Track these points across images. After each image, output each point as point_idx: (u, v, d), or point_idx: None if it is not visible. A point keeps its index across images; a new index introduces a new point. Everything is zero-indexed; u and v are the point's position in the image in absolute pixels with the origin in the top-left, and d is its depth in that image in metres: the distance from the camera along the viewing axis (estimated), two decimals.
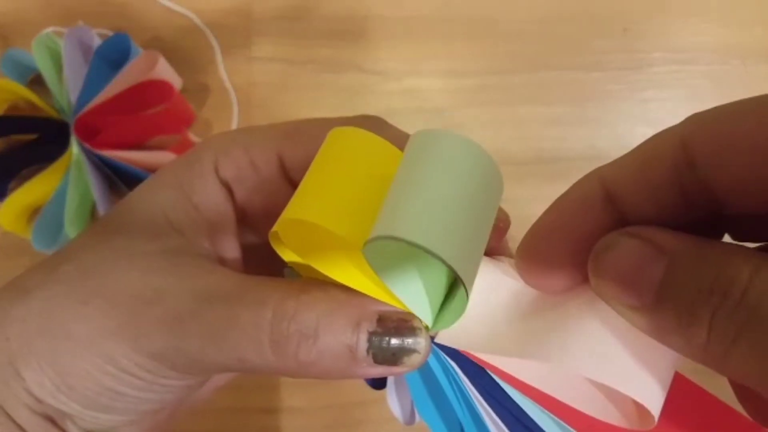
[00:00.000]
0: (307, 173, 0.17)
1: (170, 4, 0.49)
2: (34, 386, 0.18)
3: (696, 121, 0.15)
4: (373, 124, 0.21)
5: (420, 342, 0.17)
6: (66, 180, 0.44)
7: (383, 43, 0.50)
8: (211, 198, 0.20)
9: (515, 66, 0.50)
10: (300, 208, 0.16)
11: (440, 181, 0.15)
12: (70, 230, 0.43)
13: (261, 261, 0.21)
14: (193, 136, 0.47)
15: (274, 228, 0.17)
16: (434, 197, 0.14)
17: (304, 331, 0.16)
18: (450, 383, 0.19)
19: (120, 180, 0.45)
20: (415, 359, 0.17)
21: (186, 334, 0.17)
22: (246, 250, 0.21)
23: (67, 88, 0.45)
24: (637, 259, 0.14)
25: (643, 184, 0.15)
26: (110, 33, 0.47)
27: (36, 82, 0.47)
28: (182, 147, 0.46)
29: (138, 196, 0.20)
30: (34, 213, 0.45)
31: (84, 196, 0.45)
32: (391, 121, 0.51)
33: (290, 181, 0.21)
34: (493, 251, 0.19)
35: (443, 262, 0.14)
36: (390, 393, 0.21)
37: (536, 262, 0.16)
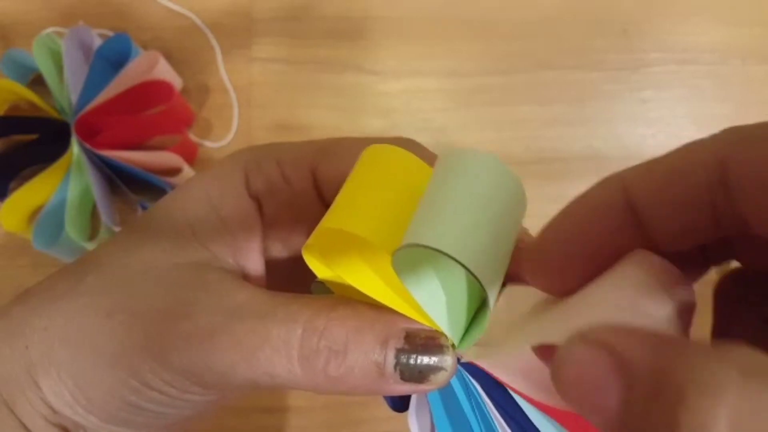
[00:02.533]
0: (344, 187, 0.17)
1: (170, 5, 0.49)
2: (52, 396, 0.18)
3: (736, 139, 0.14)
4: (406, 144, 0.21)
5: (447, 360, 0.17)
6: (66, 180, 0.45)
7: (383, 43, 0.50)
8: (239, 212, 0.20)
9: (515, 66, 0.50)
10: (338, 218, 0.16)
11: (466, 196, 0.15)
12: (71, 230, 0.43)
13: (284, 276, 0.21)
14: (193, 137, 0.48)
15: (310, 240, 0.17)
16: (460, 210, 0.15)
17: (333, 347, 0.17)
18: (470, 403, 0.19)
19: (120, 180, 0.46)
20: (441, 377, 0.17)
21: (216, 349, 0.17)
22: (269, 264, 0.21)
23: (67, 89, 0.45)
24: (594, 377, 0.12)
25: (669, 199, 0.15)
26: (111, 33, 0.47)
27: (37, 82, 0.47)
28: (182, 147, 0.46)
29: (165, 207, 0.20)
30: (34, 213, 0.45)
31: (84, 196, 0.45)
32: (390, 120, 0.51)
33: (322, 196, 0.21)
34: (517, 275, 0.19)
35: (466, 269, 0.14)
36: (411, 413, 0.21)
37: (549, 266, 0.16)
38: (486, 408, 0.18)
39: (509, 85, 0.49)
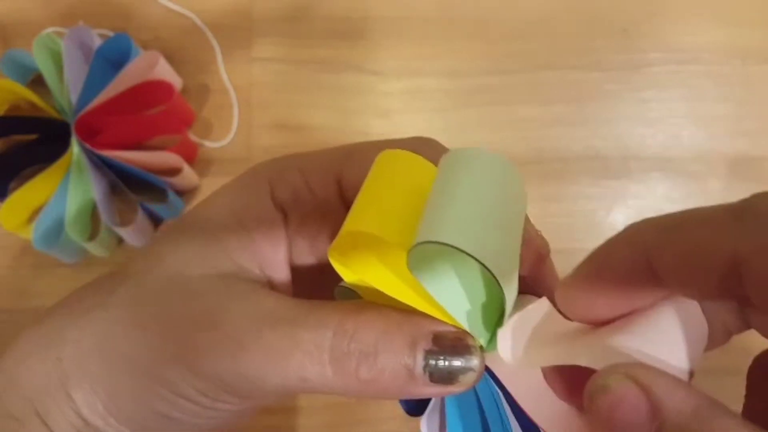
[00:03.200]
0: (360, 192, 0.18)
1: (170, 5, 0.49)
2: (84, 407, 0.18)
3: (752, 228, 0.14)
4: (427, 143, 0.21)
5: (475, 360, 0.17)
6: (67, 180, 0.45)
7: (383, 43, 0.50)
8: (265, 223, 0.20)
9: (515, 66, 0.50)
10: (356, 221, 0.17)
11: (472, 191, 0.16)
12: (71, 230, 0.43)
13: (310, 284, 0.21)
14: (193, 137, 0.48)
15: (334, 244, 0.17)
16: (467, 205, 0.15)
17: (363, 349, 0.17)
18: (490, 405, 0.19)
19: (120, 180, 0.46)
20: (470, 377, 0.17)
21: (247, 356, 0.17)
22: (295, 272, 0.21)
23: (67, 89, 0.45)
24: (628, 413, 0.13)
25: (690, 272, 0.15)
26: (111, 33, 0.47)
27: (37, 82, 0.47)
28: (182, 147, 0.46)
29: (191, 219, 0.21)
30: (34, 213, 0.45)
31: (85, 196, 0.45)
32: (390, 120, 0.51)
33: (346, 203, 0.21)
34: (536, 278, 0.19)
35: (476, 260, 0.15)
36: (424, 416, 0.21)
37: (578, 305, 0.17)
38: (503, 411, 0.19)
39: (509, 85, 0.49)
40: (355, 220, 0.17)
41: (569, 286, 0.17)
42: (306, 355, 0.17)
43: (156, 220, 0.47)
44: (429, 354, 0.17)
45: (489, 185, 0.16)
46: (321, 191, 0.21)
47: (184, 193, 0.47)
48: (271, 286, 0.20)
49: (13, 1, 0.49)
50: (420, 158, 0.18)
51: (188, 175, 0.45)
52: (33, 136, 0.47)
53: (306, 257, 0.21)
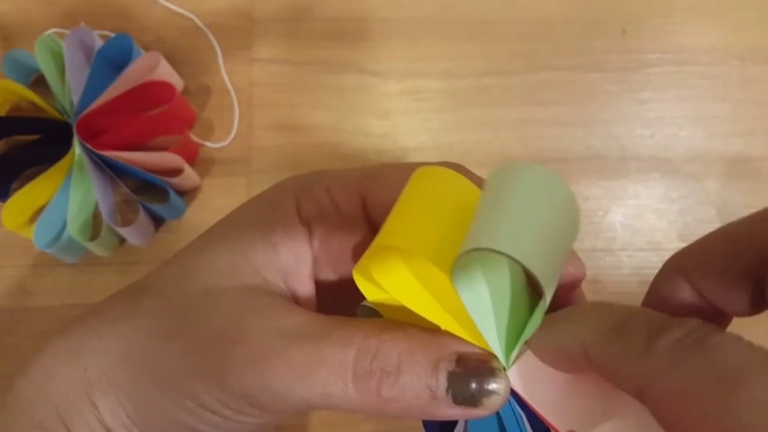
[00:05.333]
0: (395, 207, 0.18)
1: (171, 6, 0.50)
2: (109, 417, 0.18)
3: None
4: (454, 167, 0.21)
5: (500, 383, 0.17)
6: (68, 180, 0.45)
7: (383, 44, 0.50)
8: (291, 239, 0.20)
9: (514, 67, 0.50)
10: (391, 236, 0.17)
11: (522, 205, 0.15)
12: (72, 230, 0.44)
13: (332, 299, 0.21)
14: (194, 137, 0.48)
15: (361, 262, 0.17)
16: (519, 218, 0.15)
17: (386, 368, 0.17)
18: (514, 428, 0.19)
19: (122, 181, 0.46)
20: (494, 401, 0.17)
21: (272, 371, 0.17)
22: (318, 287, 0.21)
23: (69, 89, 0.45)
24: None
25: (729, 291, 0.16)
26: (112, 34, 0.47)
27: (38, 83, 0.47)
28: (184, 148, 0.46)
29: (217, 232, 0.21)
30: (36, 213, 0.45)
31: (86, 197, 0.45)
32: (390, 121, 0.52)
33: (370, 221, 0.21)
34: (564, 302, 0.19)
35: (524, 268, 0.14)
36: None
37: None
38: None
39: (509, 85, 0.50)
40: (389, 234, 0.17)
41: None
42: (330, 372, 0.17)
43: (157, 221, 0.47)
44: (452, 375, 0.17)
45: (541, 200, 0.16)
46: (346, 208, 0.21)
47: (186, 194, 0.47)
48: (295, 300, 0.20)
49: (14, 2, 0.50)
50: (459, 175, 0.17)
51: (189, 176, 0.46)
52: (35, 137, 0.47)
53: (329, 273, 0.21)
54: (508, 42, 0.50)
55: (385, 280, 0.18)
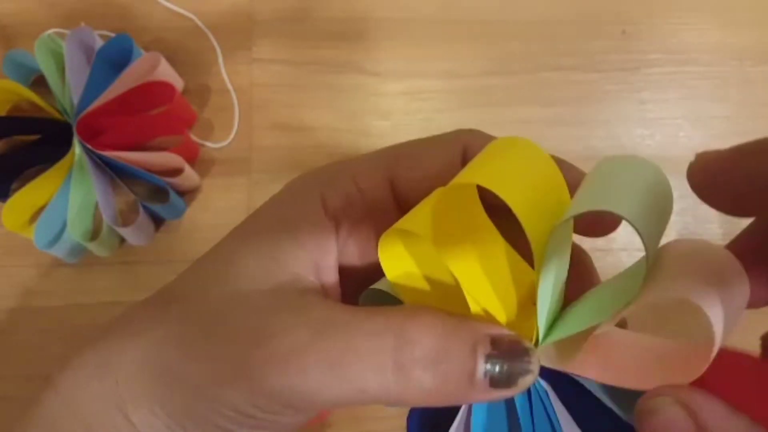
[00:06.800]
0: (467, 169, 0.17)
1: (172, 6, 0.50)
2: (145, 429, 0.18)
3: None
4: (472, 134, 0.21)
5: (533, 362, 0.17)
6: (68, 180, 0.45)
7: (383, 44, 0.50)
8: (317, 233, 0.20)
9: (514, 67, 0.50)
10: (478, 175, 0.16)
11: (633, 182, 0.16)
12: (72, 230, 0.44)
13: (356, 289, 0.21)
14: (194, 137, 0.48)
15: (388, 232, 0.17)
16: (629, 191, 0.16)
17: (428, 356, 0.17)
18: (542, 409, 0.19)
19: (122, 180, 0.46)
20: (528, 380, 0.17)
21: (305, 368, 0.17)
22: (342, 277, 0.21)
23: (69, 90, 0.45)
24: None
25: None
26: (112, 34, 0.47)
27: (38, 83, 0.47)
28: (184, 148, 0.46)
29: (242, 233, 0.20)
30: (36, 213, 0.45)
31: (86, 197, 0.45)
32: (391, 121, 0.51)
33: (400, 203, 0.21)
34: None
35: (643, 243, 0.15)
36: None
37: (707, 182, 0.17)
38: (554, 414, 0.18)
39: (509, 86, 0.50)
40: (469, 174, 0.16)
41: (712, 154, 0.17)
42: (366, 366, 0.17)
43: (157, 220, 0.47)
44: (489, 359, 0.17)
45: (646, 182, 0.16)
46: (374, 194, 0.20)
47: (186, 194, 0.47)
48: (324, 292, 0.20)
49: (15, 2, 0.50)
50: (538, 147, 0.17)
51: (189, 176, 0.46)
52: (35, 137, 0.47)
53: (354, 263, 0.21)
54: (508, 42, 0.50)
55: (441, 246, 0.17)
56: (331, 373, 0.17)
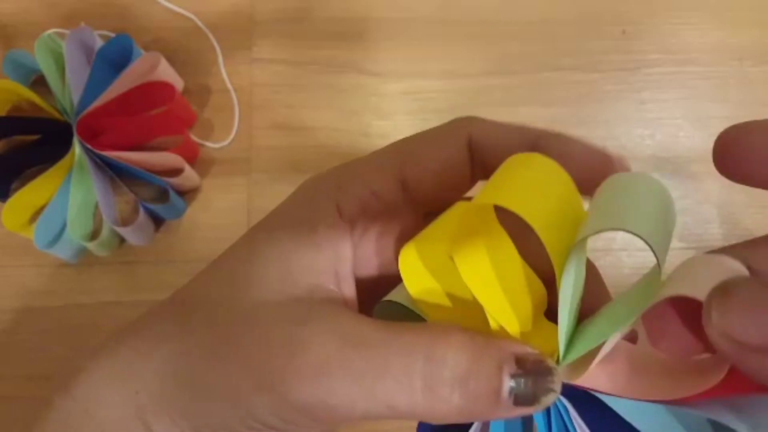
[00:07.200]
0: (489, 183, 0.17)
1: (172, 6, 0.50)
2: None
3: None
4: (469, 120, 0.21)
5: (556, 381, 0.17)
6: (68, 180, 0.45)
7: (383, 45, 0.50)
8: (336, 239, 0.20)
9: (514, 67, 0.50)
10: (495, 197, 0.16)
11: (642, 201, 0.17)
12: (72, 230, 0.44)
13: (370, 298, 0.21)
14: (194, 137, 0.48)
15: (409, 245, 0.17)
16: (638, 208, 0.16)
17: (456, 376, 0.17)
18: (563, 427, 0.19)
19: (122, 180, 0.46)
20: (551, 398, 0.17)
21: (333, 383, 0.17)
22: (358, 287, 0.21)
23: (69, 90, 0.45)
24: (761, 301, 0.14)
25: None
26: (112, 34, 0.47)
27: (38, 83, 0.47)
28: (184, 148, 0.46)
29: (261, 240, 0.20)
30: (36, 213, 0.45)
31: (86, 197, 0.45)
32: (390, 121, 0.51)
33: (413, 203, 0.21)
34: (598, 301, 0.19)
35: (656, 258, 0.15)
36: None
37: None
38: (573, 429, 0.19)
39: (509, 86, 0.50)
40: (488, 195, 0.17)
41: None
42: (396, 383, 0.17)
43: (157, 221, 0.47)
44: (514, 377, 0.17)
45: (654, 200, 0.17)
46: (387, 197, 0.20)
47: (186, 194, 0.47)
48: (344, 301, 0.20)
49: (15, 2, 0.50)
50: (555, 163, 0.17)
51: (189, 176, 0.46)
52: (35, 137, 0.47)
53: (370, 269, 0.21)
54: (508, 42, 0.50)
55: (461, 259, 0.17)
56: (360, 388, 0.17)
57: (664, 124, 0.49)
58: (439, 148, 0.19)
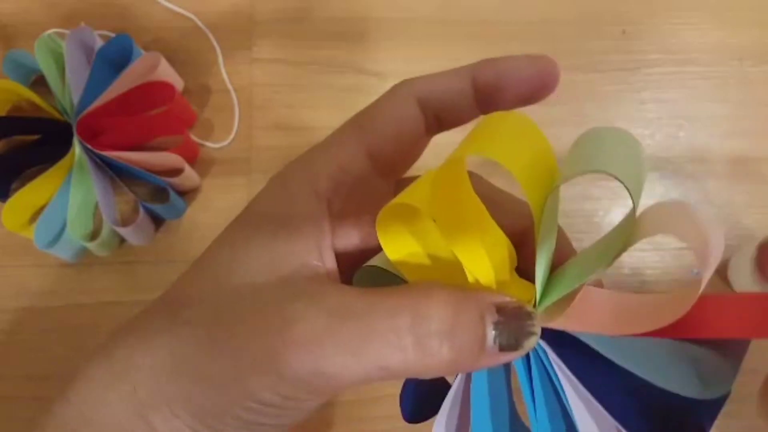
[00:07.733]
0: (465, 140, 0.18)
1: (172, 6, 0.50)
2: None
3: None
4: (405, 83, 0.22)
5: (536, 324, 0.18)
6: (68, 180, 0.45)
7: (383, 44, 0.50)
8: (314, 217, 0.20)
9: None
10: (479, 147, 0.17)
11: (616, 150, 0.18)
12: (72, 230, 0.44)
13: (350, 267, 0.21)
14: (194, 137, 0.48)
15: (384, 211, 0.18)
16: (615, 157, 0.17)
17: (443, 328, 0.17)
18: (528, 373, 0.20)
19: (122, 180, 0.46)
20: (532, 341, 0.18)
21: (325, 353, 0.17)
22: (338, 257, 0.21)
23: (69, 90, 0.45)
24: None
25: None
26: (112, 34, 0.47)
27: (38, 83, 0.47)
28: (184, 148, 0.46)
29: (239, 227, 0.21)
30: (36, 213, 0.45)
31: (86, 197, 0.45)
32: None
33: (382, 173, 0.22)
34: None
35: (632, 199, 0.16)
36: (439, 420, 0.22)
37: None
38: (553, 371, 0.19)
39: None
40: (469, 146, 0.17)
41: None
42: (386, 344, 0.17)
43: (157, 221, 0.47)
44: (497, 325, 0.18)
45: (627, 149, 0.18)
46: (356, 169, 0.21)
47: (186, 193, 0.47)
48: (328, 275, 0.21)
49: (15, 3, 0.50)
50: (529, 119, 0.18)
51: (189, 176, 0.46)
52: (35, 137, 0.47)
53: (351, 241, 0.21)
54: (508, 42, 0.50)
55: (415, 225, 0.18)
56: (352, 353, 0.17)
57: (664, 124, 0.49)
58: (391, 112, 0.21)
